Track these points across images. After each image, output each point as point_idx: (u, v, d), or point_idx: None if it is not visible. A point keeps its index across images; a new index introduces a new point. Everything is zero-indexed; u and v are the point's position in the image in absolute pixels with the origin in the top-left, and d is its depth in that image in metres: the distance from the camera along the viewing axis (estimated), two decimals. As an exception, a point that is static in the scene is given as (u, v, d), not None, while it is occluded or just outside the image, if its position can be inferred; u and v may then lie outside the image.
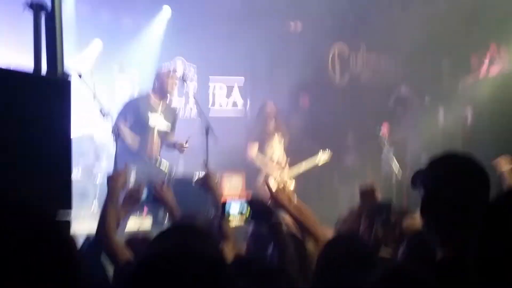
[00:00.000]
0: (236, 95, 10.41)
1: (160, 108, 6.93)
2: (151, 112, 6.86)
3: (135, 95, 7.25)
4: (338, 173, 9.35)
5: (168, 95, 7.11)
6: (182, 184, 6.15)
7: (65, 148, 3.18)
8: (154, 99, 6.97)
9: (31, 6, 3.37)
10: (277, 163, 8.10)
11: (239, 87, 10.41)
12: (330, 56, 10.66)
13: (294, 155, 8.44)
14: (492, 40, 8.52)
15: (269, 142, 8.10)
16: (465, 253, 2.04)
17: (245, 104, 10.41)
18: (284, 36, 10.16)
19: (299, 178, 8.35)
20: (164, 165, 6.72)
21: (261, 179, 7.93)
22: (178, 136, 7.20)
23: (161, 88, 7.00)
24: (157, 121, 6.89)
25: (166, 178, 6.32)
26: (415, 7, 9.24)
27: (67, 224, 2.91)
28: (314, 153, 8.41)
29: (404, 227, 3.54)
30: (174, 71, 7.24)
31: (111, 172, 3.98)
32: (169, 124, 7.05)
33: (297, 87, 9.77)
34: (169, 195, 3.70)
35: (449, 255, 2.13)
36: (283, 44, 9.93)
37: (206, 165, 3.83)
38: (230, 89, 10.42)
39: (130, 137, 6.31)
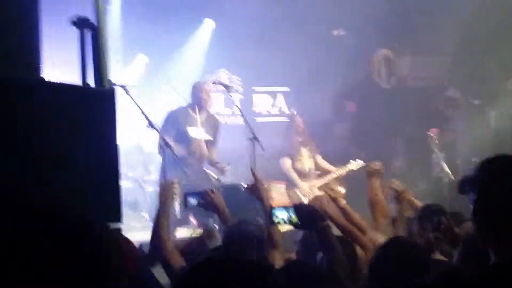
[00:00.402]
0: (282, 104, 10.42)
1: (199, 121, 7.02)
2: (190, 125, 6.97)
3: (174, 108, 7.30)
4: (388, 177, 9.19)
5: (206, 107, 7.19)
6: (231, 193, 6.15)
7: (113, 159, 3.21)
8: (191, 113, 7.07)
9: (76, 23, 3.44)
10: (308, 175, 8.08)
11: (284, 96, 10.42)
12: (375, 61, 10.57)
13: (342, 159, 8.36)
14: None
15: (298, 156, 8.09)
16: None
17: (290, 111, 10.41)
18: (327, 44, 10.12)
19: (348, 183, 8.27)
20: (212, 175, 6.77)
21: (297, 191, 7.95)
22: (223, 147, 7.23)
23: (196, 101, 7.12)
24: (198, 133, 6.97)
25: (216, 185, 6.35)
26: (458, 8, 9.07)
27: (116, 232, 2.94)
28: (360, 158, 8.30)
29: (458, 231, 3.48)
30: (209, 83, 7.27)
31: (162, 182, 4.03)
32: (211, 135, 7.10)
33: (343, 93, 9.71)
34: (220, 201, 3.73)
35: (503, 260, 2.07)
36: (326, 51, 9.88)
37: (254, 173, 3.81)
38: (275, 98, 10.44)
39: (176, 148, 6.39)
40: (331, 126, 9.11)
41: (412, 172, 9.45)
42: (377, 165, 4.78)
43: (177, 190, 3.70)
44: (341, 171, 7.99)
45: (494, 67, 9.62)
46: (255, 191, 3.66)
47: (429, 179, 8.98)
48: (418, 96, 9.87)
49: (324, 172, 8.15)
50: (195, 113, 7.08)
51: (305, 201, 7.69)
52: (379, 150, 9.30)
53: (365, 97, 9.86)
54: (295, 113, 9.64)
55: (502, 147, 7.69)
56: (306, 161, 8.10)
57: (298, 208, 3.26)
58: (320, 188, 7.79)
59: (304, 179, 8.02)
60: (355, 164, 7.95)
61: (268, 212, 3.41)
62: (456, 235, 3.43)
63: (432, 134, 7.79)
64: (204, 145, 7.01)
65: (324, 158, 8.28)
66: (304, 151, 8.11)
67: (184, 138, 6.86)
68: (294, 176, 7.98)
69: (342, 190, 8.36)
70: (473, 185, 2.15)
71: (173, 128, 6.80)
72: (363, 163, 7.90)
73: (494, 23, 8.87)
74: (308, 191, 7.89)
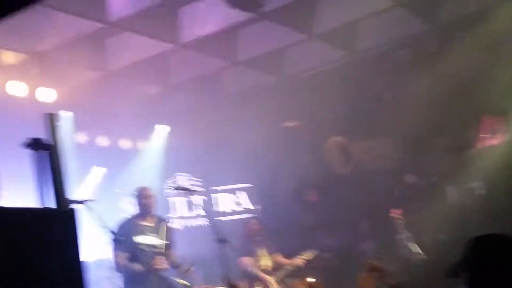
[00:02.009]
0: (245, 200, 10.39)
1: (147, 229, 6.77)
2: (140, 235, 6.68)
3: (120, 222, 6.91)
4: (357, 262, 9.08)
5: (152, 211, 6.90)
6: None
7: (77, 278, 3.12)
8: (138, 221, 6.80)
9: (31, 145, 3.39)
10: (270, 273, 8.07)
11: (247, 193, 10.41)
12: (329, 149, 10.71)
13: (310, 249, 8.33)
14: (484, 112, 8.60)
15: (257, 256, 8.10)
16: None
17: (256, 207, 10.39)
18: (281, 138, 10.25)
19: (322, 275, 8.19)
20: (184, 284, 6.52)
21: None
22: (187, 251, 7.03)
23: (141, 208, 6.87)
24: (150, 241, 6.71)
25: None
26: (404, 90, 9.37)
27: None
28: (330, 247, 8.28)
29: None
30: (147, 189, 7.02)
31: None
32: (164, 241, 6.87)
33: (303, 184, 9.74)
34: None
35: None
36: (281, 145, 10.00)
37: (229, 279, 3.68)
38: (237, 196, 10.41)
39: (136, 266, 6.13)
40: (295, 218, 9.04)
41: (383, 254, 9.38)
42: (378, 263, 4.74)
43: None
44: (297, 261, 8.01)
45: (444, 144, 9.84)
46: None
47: (397, 260, 8.92)
48: (376, 178, 9.97)
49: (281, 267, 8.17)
50: (142, 221, 6.81)
51: None
52: (346, 236, 9.28)
53: (325, 185, 9.90)
54: (260, 208, 9.64)
55: (467, 221, 7.75)
56: (266, 260, 8.08)
57: None
58: (279, 282, 7.89)
59: (265, 274, 8.02)
60: (308, 255, 8.00)
61: None
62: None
63: (395, 215, 7.80)
64: (160, 260, 6.68)
65: (291, 251, 8.23)
66: (262, 252, 8.10)
67: (135, 249, 6.53)
68: (256, 271, 7.97)
69: (311, 279, 8.34)
70: (466, 266, 2.15)
71: (124, 240, 6.41)
72: (316, 251, 7.98)
73: (442, 99, 9.15)
74: (271, 282, 7.89)
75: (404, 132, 9.94)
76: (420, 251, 7.47)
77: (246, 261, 7.97)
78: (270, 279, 7.94)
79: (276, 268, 8.14)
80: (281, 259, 8.23)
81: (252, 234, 8.20)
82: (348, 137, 10.84)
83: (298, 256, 8.14)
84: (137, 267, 6.31)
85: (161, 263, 6.54)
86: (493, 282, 2.13)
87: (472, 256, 2.20)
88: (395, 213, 8.00)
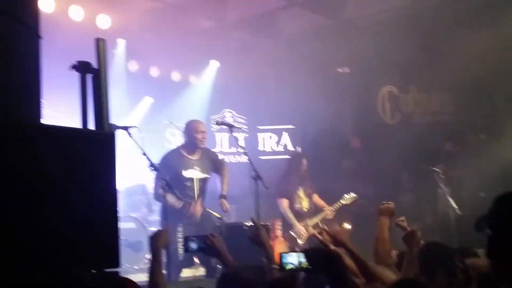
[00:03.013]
0: (287, 141, 10.46)
1: (193, 163, 6.88)
2: (185, 169, 6.80)
3: (167, 152, 7.06)
4: (397, 213, 9.10)
5: (200, 145, 6.96)
6: (234, 232, 6.11)
7: (111, 204, 3.20)
8: (185, 155, 6.90)
9: (77, 68, 3.49)
10: (306, 215, 8.09)
11: (289, 134, 10.47)
12: (380, 98, 10.62)
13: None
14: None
15: (296, 197, 8.10)
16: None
17: (295, 149, 10.45)
18: (332, 81, 10.19)
19: (355, 221, 8.25)
20: (214, 215, 6.70)
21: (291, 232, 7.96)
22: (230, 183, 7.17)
23: (190, 143, 6.95)
24: (194, 175, 6.86)
25: (217, 229, 6.29)
26: (462, 44, 9.12)
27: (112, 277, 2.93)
28: (367, 195, 8.31)
29: (469, 268, 3.41)
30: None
31: (153, 232, 4.04)
32: (208, 173, 6.98)
33: (348, 129, 9.73)
34: (221, 245, 3.69)
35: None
36: (331, 89, 9.94)
37: (254, 221, 3.80)
38: (280, 137, 10.49)
39: (170, 199, 6.28)
40: (337, 163, 9.08)
41: (420, 207, 9.38)
42: (389, 204, 4.77)
43: (167, 238, 3.68)
44: (334, 206, 8.02)
45: (500, 101, 9.62)
46: (256, 239, 3.65)
47: (436, 214, 8.91)
48: (423, 131, 9.86)
49: (318, 210, 8.16)
50: (189, 155, 6.91)
51: (299, 241, 7.72)
52: (386, 186, 9.29)
53: (370, 133, 9.86)
54: (300, 150, 9.68)
55: (508, 181, 7.63)
56: (304, 201, 8.11)
57: (310, 253, 3.23)
58: (314, 226, 7.84)
59: (301, 220, 8.02)
60: (348, 198, 8.01)
61: (271, 257, 3.44)
62: (470, 277, 3.35)
63: (437, 170, 7.75)
64: (197, 205, 6.81)
65: (329, 195, 8.26)
66: (301, 191, 8.13)
67: (179, 184, 6.66)
68: (291, 216, 8.00)
69: (348, 226, 8.41)
70: (489, 221, 2.10)
71: (168, 172, 6.57)
72: (355, 195, 7.94)
73: (500, 58, 8.89)
74: (302, 232, 7.91)
75: (459, 87, 9.75)
76: (456, 206, 7.41)
77: (283, 202, 8.04)
78: (302, 229, 7.93)
79: (314, 211, 8.18)
80: (319, 201, 8.24)
81: (299, 171, 8.19)
82: (400, 88, 10.71)
83: (339, 200, 8.12)
84: (175, 201, 6.46)
85: (196, 211, 6.71)
86: (509, 238, 2.06)
87: (494, 212, 2.14)
88: (437, 167, 7.94)
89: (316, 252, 3.29)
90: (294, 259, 3.22)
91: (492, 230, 2.09)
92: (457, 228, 7.30)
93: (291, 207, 8.04)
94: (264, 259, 3.70)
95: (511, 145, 8.46)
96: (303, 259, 3.21)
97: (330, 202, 8.17)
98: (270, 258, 3.52)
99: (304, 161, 8.22)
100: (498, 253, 2.06)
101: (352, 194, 8.08)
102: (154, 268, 3.40)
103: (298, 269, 3.21)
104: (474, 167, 8.66)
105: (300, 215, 8.06)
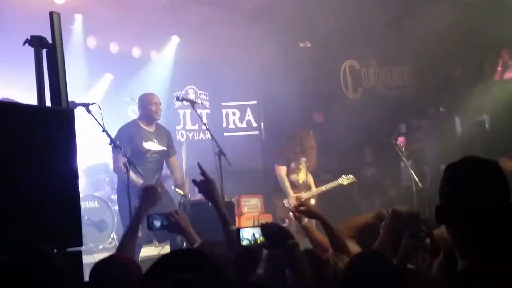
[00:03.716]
0: (250, 117, 10.44)
1: (151, 134, 6.81)
2: (145, 141, 6.72)
3: (124, 124, 6.97)
4: (358, 187, 9.23)
5: (155, 118, 6.91)
6: (199, 209, 6.08)
7: (72, 182, 3.13)
8: (142, 126, 6.82)
9: (30, 43, 3.38)
10: (300, 187, 8.12)
11: (251, 109, 10.45)
12: (342, 72, 10.65)
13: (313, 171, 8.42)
14: (503, 46, 8.43)
15: (295, 167, 8.11)
16: (486, 265, 1.94)
17: (259, 125, 10.44)
18: (294, 56, 10.15)
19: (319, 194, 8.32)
20: (179, 192, 6.63)
21: (288, 200, 8.00)
22: (191, 163, 7.12)
23: (145, 115, 6.88)
24: (153, 147, 6.78)
25: (180, 206, 6.24)
26: (422, 18, 9.17)
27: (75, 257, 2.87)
28: (331, 169, 8.37)
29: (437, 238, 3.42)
30: (154, 96, 7.01)
31: (144, 186, 3.98)
32: (164, 146, 6.90)
33: (311, 104, 9.74)
34: (185, 222, 3.64)
35: (468, 268, 2.02)
36: (293, 63, 9.91)
37: (202, 169, 3.62)
38: (243, 113, 10.45)
39: (132, 176, 6.18)
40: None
41: (383, 181, 9.50)
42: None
43: (156, 196, 3.63)
44: (331, 185, 8.06)
45: (459, 75, 9.74)
46: (207, 194, 3.53)
47: (399, 187, 9.04)
48: (385, 105, 9.94)
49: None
50: (146, 126, 6.84)
51: (291, 213, 7.73)
52: (349, 160, 9.36)
53: (333, 108, 9.89)
54: (260, 128, 9.65)
55: (469, 153, 7.74)
56: (301, 174, 8.10)
57: (265, 228, 3.20)
58: (307, 199, 7.90)
59: (295, 190, 8.03)
60: (346, 179, 8.04)
61: (226, 219, 3.37)
62: (437, 244, 3.37)
63: (399, 143, 7.83)
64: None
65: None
66: (303, 163, 8.12)
67: (139, 153, 6.58)
68: (287, 184, 8.04)
69: (312, 201, 8.45)
70: (439, 188, 2.12)
71: (128, 144, 6.47)
72: (353, 177, 7.98)
73: (459, 31, 8.98)
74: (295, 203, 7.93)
75: (419, 61, 9.84)
76: (416, 179, 7.50)
77: (281, 169, 8.06)
78: (295, 198, 7.94)
79: (306, 185, 8.17)
80: (311, 179, 8.26)
81: (300, 143, 8.19)
82: (362, 62, 10.75)
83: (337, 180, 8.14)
84: (137, 179, 6.33)
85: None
86: (457, 203, 2.07)
87: (442, 181, 2.16)
88: (400, 141, 8.02)
89: (272, 227, 3.26)
90: (249, 235, 3.18)
91: (440, 194, 2.13)
92: (418, 201, 7.39)
93: (288, 176, 8.06)
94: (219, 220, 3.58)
95: (470, 117, 8.59)
96: (258, 235, 3.17)
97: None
98: (225, 219, 3.42)
99: (311, 133, 8.23)
100: (445, 218, 2.09)
101: (350, 176, 8.09)
102: (133, 225, 3.36)
103: (254, 244, 3.17)
104: (435, 140, 8.78)
105: (294, 186, 8.08)
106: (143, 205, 3.53)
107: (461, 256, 2.05)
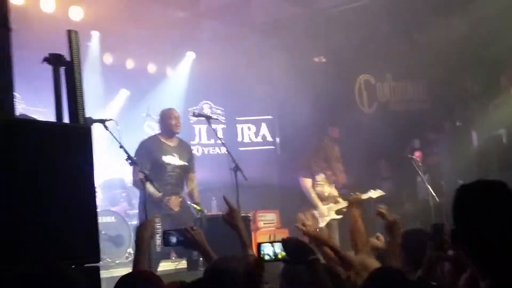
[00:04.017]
0: (265, 132, 10.46)
1: (171, 149, 6.86)
2: (164, 154, 6.77)
3: (145, 138, 7.09)
4: (374, 201, 9.16)
5: (175, 133, 6.99)
6: (215, 224, 6.07)
7: (90, 198, 3.15)
8: (163, 141, 6.88)
9: (49, 60, 3.42)
10: (326, 199, 8.11)
11: (266, 124, 10.47)
12: (357, 86, 10.64)
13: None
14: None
15: (320, 180, 8.13)
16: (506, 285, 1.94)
17: (274, 139, 10.45)
18: (308, 71, 10.17)
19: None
20: (195, 207, 6.64)
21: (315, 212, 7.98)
22: (207, 176, 7.13)
23: (165, 130, 6.95)
24: (173, 161, 6.81)
25: (197, 221, 6.24)
26: (434, 32, 9.16)
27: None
28: (347, 184, 8.34)
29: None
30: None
31: (142, 220, 3.98)
32: (185, 161, 6.94)
33: (326, 119, 9.72)
34: (201, 238, 3.63)
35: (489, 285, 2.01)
36: (308, 78, 9.93)
37: (227, 201, 3.70)
38: (258, 127, 10.48)
39: (150, 188, 6.20)
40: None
41: (399, 195, 9.44)
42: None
43: (154, 228, 3.64)
44: (362, 197, 7.98)
45: (475, 89, 9.70)
46: (229, 220, 3.58)
47: (415, 201, 8.98)
48: (400, 119, 9.92)
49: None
50: (166, 140, 6.90)
51: (321, 223, 7.68)
52: (365, 175, 9.32)
53: (348, 122, 9.87)
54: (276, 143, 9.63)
55: (486, 167, 7.70)
56: (326, 187, 8.09)
57: (286, 243, 3.19)
58: (337, 212, 7.91)
59: (322, 202, 8.03)
60: (375, 193, 7.97)
61: (245, 241, 3.37)
62: (461, 256, 3.34)
63: (415, 157, 7.79)
64: (175, 199, 6.75)
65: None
66: (326, 177, 8.14)
67: (158, 167, 6.65)
68: (314, 195, 8.02)
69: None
70: (452, 209, 2.12)
71: (148, 159, 6.57)
72: (382, 192, 7.92)
73: (474, 45, 8.97)
74: (326, 213, 7.90)
75: (434, 75, 9.81)
76: (433, 193, 7.46)
77: (307, 181, 8.06)
78: (325, 211, 7.93)
79: (332, 199, 8.16)
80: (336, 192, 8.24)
81: (324, 157, 8.22)
82: (377, 77, 10.74)
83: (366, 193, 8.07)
84: (155, 191, 6.35)
85: (175, 205, 6.64)
86: (470, 227, 2.07)
87: (454, 199, 2.15)
88: (416, 155, 7.99)
89: (293, 242, 3.25)
90: (269, 250, 3.17)
91: (453, 218, 2.12)
92: (436, 215, 7.33)
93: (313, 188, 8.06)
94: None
95: (487, 132, 8.53)
96: (279, 250, 3.16)
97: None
98: (244, 243, 3.44)
99: (330, 143, 8.21)
100: (461, 241, 2.09)
101: (379, 190, 8.04)
102: (139, 259, 3.35)
103: (275, 260, 3.16)
104: (452, 155, 8.73)
105: (320, 199, 8.07)
106: (140, 238, 3.50)
107: (480, 277, 2.05)
